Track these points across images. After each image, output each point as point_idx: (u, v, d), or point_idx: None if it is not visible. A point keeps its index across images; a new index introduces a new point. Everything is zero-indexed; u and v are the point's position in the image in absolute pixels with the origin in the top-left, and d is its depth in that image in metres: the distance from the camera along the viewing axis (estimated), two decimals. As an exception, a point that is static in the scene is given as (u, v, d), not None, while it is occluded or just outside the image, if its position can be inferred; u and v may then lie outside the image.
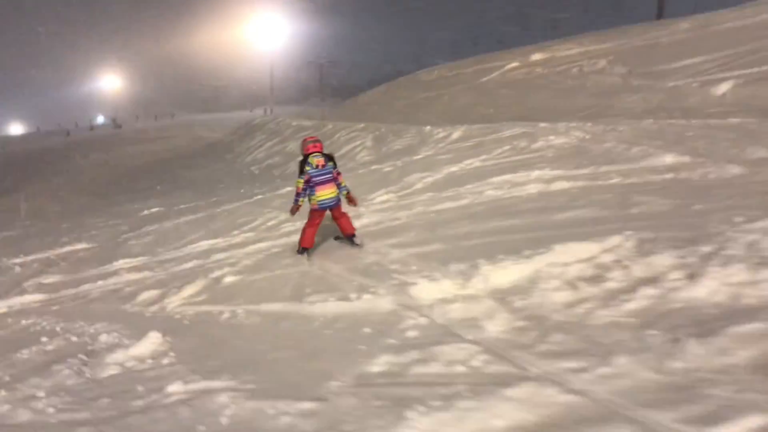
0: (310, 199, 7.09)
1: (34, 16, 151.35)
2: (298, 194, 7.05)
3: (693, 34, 21.17)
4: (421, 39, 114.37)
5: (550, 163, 9.99)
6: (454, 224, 7.66)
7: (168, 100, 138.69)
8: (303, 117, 33.95)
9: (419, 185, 10.65)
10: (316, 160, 6.99)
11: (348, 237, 7.33)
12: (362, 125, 21.09)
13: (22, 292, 8.43)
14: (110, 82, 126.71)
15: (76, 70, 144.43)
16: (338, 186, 7.15)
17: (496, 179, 9.56)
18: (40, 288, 8.64)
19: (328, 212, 7.38)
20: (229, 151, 32.99)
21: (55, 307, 7.53)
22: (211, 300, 6.70)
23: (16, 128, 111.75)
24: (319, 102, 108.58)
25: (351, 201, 7.37)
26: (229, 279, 7.25)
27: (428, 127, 16.59)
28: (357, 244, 7.26)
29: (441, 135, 14.84)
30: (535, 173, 9.34)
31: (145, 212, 16.56)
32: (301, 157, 7.27)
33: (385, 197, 10.29)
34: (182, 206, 16.66)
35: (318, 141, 7.28)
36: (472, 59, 33.33)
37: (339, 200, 7.19)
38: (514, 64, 26.76)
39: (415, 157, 13.56)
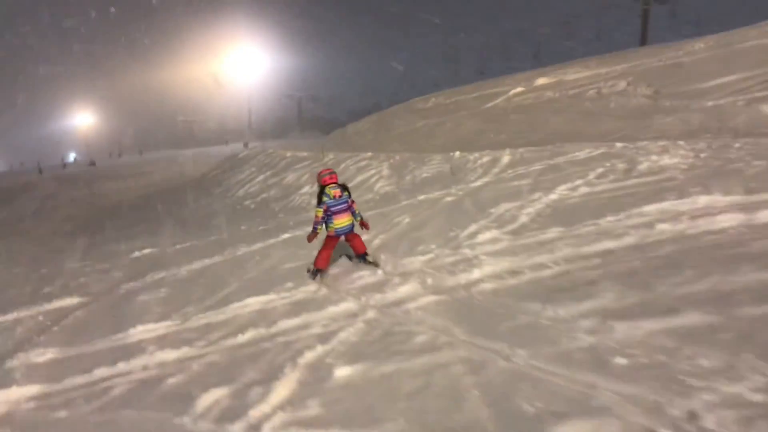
0: (327, 227, 7.59)
1: (4, 52, 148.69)
2: (317, 222, 7.49)
3: (715, 53, 20.17)
4: (401, 73, 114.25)
5: (697, 186, 8.13)
6: (665, 273, 5.55)
7: (142, 136, 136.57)
8: (294, 148, 32.25)
9: (523, 218, 8.64)
10: (333, 191, 7.50)
11: (360, 256, 7.86)
12: (369, 154, 19.56)
13: (8, 380, 5.94)
14: (83, 120, 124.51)
15: (49, 107, 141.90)
16: (353, 213, 7.66)
17: (648, 208, 7.65)
18: (32, 372, 6.13)
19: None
20: (215, 186, 31.20)
21: (60, 414, 5.06)
22: (333, 418, 4.20)
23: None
24: (298, 135, 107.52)
25: (364, 226, 7.89)
26: (341, 371, 4.91)
27: (457, 153, 15.08)
28: (370, 262, 7.78)
29: (485, 160, 13.27)
30: (702, 199, 7.48)
31: (137, 254, 14.72)
32: (318, 189, 7.71)
33: (488, 235, 8.20)
34: (178, 246, 14.88)
35: (334, 173, 7.78)
36: (470, 86, 32.20)
37: (353, 227, 7.70)
38: (519, 89, 25.61)
39: (472, 185, 11.89)
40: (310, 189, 19.09)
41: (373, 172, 16.97)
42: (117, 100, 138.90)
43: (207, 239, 15.37)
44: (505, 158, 12.86)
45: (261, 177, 25.41)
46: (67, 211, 37.60)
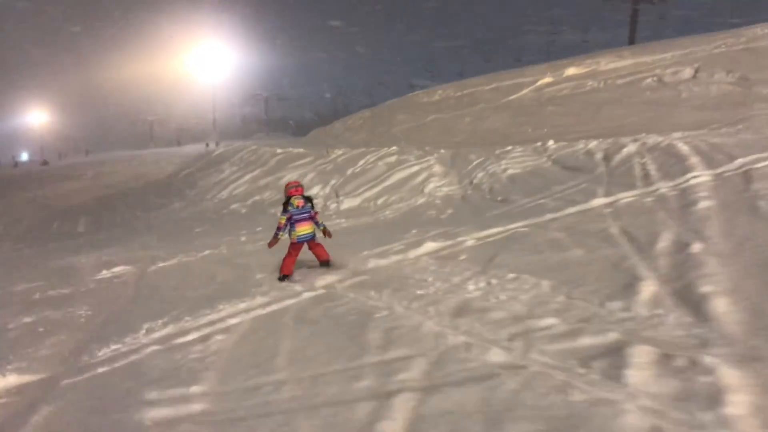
0: (290, 234, 7.82)
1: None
2: (279, 229, 7.84)
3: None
4: (372, 73, 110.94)
5: None
6: None
7: (98, 135, 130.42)
8: (281, 146, 28.55)
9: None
10: (297, 201, 7.82)
11: (323, 262, 8.05)
12: (395, 148, 16.16)
13: None
14: (36, 117, 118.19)
15: (1, 104, 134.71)
16: (316, 223, 7.91)
17: None
18: None
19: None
20: (187, 187, 27.32)
21: None
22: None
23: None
24: (264, 136, 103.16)
25: (327, 234, 8.03)
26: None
27: (551, 142, 11.80)
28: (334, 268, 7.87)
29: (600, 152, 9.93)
30: None
31: (105, 273, 10.96)
32: (284, 199, 7.97)
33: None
34: (161, 264, 11.22)
35: (300, 185, 8.08)
36: (481, 78, 29.03)
37: (314, 235, 7.94)
38: (547, 80, 22.53)
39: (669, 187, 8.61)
40: (322, 190, 15.66)
41: (416, 168, 13.61)
42: (73, 97, 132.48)
43: (199, 253, 11.71)
44: (630, 147, 9.56)
45: (248, 177, 21.70)
46: (16, 213, 33.10)
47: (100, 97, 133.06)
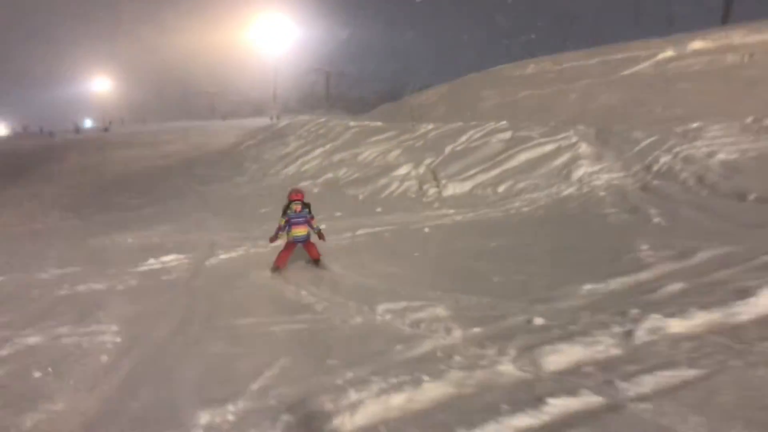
0: (288, 234, 8.40)
1: (23, 13, 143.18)
2: (278, 230, 8.42)
3: None
4: (444, 50, 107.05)
5: None
6: None
7: (160, 105, 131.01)
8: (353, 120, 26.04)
9: None
10: (295, 206, 8.38)
11: (314, 261, 8.42)
12: (502, 123, 13.35)
13: None
14: (100, 85, 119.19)
15: (66, 70, 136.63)
16: (311, 227, 8.46)
17: None
18: None
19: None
20: (249, 161, 25.11)
21: None
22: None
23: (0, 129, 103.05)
24: (325, 112, 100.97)
25: (321, 237, 8.51)
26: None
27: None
28: (322, 267, 8.22)
29: None
30: None
31: (151, 262, 8.64)
32: (286, 203, 8.47)
33: None
34: (223, 256, 8.84)
35: (300, 192, 8.59)
36: (580, 52, 25.75)
37: (308, 237, 8.47)
38: (669, 54, 19.26)
39: None
40: (414, 170, 13.08)
41: (550, 148, 10.83)
42: (137, 66, 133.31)
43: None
44: None
45: (318, 152, 19.25)
46: (71, 180, 31.58)
47: (164, 67, 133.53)
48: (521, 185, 9.96)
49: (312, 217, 8.52)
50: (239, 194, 18.50)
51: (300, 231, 8.34)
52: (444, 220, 9.49)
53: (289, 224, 8.35)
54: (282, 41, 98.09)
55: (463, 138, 13.58)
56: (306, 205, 8.51)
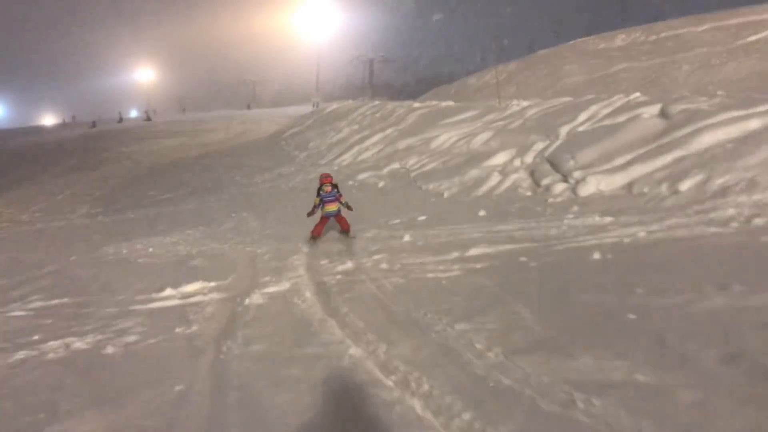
0: (322, 210, 9.47)
1: (70, 4, 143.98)
2: (315, 207, 9.46)
3: None
4: (489, 35, 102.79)
5: None
6: None
7: (201, 94, 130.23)
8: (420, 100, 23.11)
9: None
10: (327, 188, 9.44)
11: (343, 232, 9.45)
12: (635, 95, 10.20)
13: None
14: (144, 75, 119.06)
15: (112, 60, 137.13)
16: (340, 203, 9.52)
17: None
18: None
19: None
20: (298, 149, 22.43)
21: None
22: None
23: (48, 119, 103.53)
24: (369, 100, 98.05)
25: (349, 208, 9.55)
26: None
27: None
28: (351, 236, 9.15)
29: None
30: None
31: (169, 294, 5.93)
32: (319, 185, 9.54)
33: None
34: (271, 287, 6.07)
35: (329, 176, 9.65)
36: (678, 20, 22.18)
37: (339, 211, 9.52)
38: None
39: None
40: (516, 159, 10.10)
41: (757, 125, 7.64)
42: (180, 56, 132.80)
43: (335, 262, 6.56)
44: None
45: (376, 138, 16.37)
46: (110, 170, 29.57)
47: (206, 56, 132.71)
48: (721, 180, 6.84)
49: (341, 195, 9.65)
50: (286, 187, 15.80)
51: (332, 207, 9.46)
52: (610, 234, 6.13)
53: (322, 202, 9.45)
54: (325, 28, 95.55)
55: (583, 116, 10.47)
56: (335, 186, 9.65)
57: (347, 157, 16.30)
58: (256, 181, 18.03)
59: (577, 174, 8.20)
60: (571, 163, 8.61)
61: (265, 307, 5.25)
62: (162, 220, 13.53)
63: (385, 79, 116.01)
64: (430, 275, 5.74)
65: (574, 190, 8.01)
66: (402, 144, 14.44)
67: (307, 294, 5.55)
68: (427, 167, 11.99)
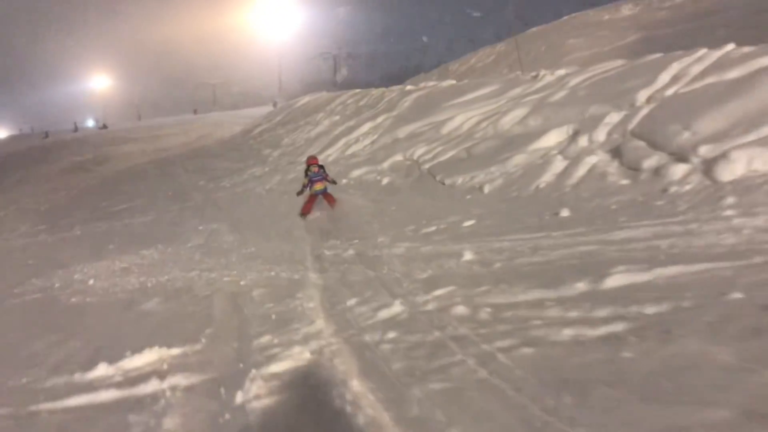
0: (310, 189, 10.29)
1: (20, 14, 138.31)
2: (304, 186, 10.36)
3: None
4: (453, 31, 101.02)
5: None
6: None
7: (159, 100, 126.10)
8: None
9: None
10: (314, 168, 10.37)
11: (331, 206, 10.08)
12: (728, 47, 7.96)
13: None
14: (100, 82, 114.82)
15: (66, 70, 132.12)
16: (327, 181, 10.36)
17: None
18: None
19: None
20: (269, 146, 19.91)
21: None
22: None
23: (1, 131, 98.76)
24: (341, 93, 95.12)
25: (333, 182, 10.55)
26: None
27: None
28: (338, 208, 9.89)
29: None
30: None
31: (100, 377, 3.46)
32: (305, 167, 10.56)
33: None
34: (273, 366, 3.67)
35: (316, 158, 10.80)
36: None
37: (326, 190, 10.31)
38: None
39: None
40: (583, 136, 7.77)
41: None
42: (135, 62, 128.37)
43: (354, 302, 4.16)
44: None
45: (366, 127, 13.95)
46: (59, 181, 26.83)
47: (163, 61, 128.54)
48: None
49: (327, 174, 10.50)
50: (262, 190, 13.33)
51: (319, 186, 10.27)
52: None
53: (311, 182, 10.27)
54: (285, 26, 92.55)
55: (664, 77, 8.13)
56: (321, 167, 10.51)
57: (333, 152, 13.85)
58: (224, 185, 15.49)
59: (703, 150, 5.82)
60: (686, 135, 6.22)
61: (274, 411, 2.79)
62: (113, 238, 10.95)
63: (350, 77, 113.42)
64: (567, 334, 3.26)
65: (707, 172, 5.64)
66: (401, 132, 12.04)
67: (350, 380, 3.10)
68: (444, 156, 9.64)
